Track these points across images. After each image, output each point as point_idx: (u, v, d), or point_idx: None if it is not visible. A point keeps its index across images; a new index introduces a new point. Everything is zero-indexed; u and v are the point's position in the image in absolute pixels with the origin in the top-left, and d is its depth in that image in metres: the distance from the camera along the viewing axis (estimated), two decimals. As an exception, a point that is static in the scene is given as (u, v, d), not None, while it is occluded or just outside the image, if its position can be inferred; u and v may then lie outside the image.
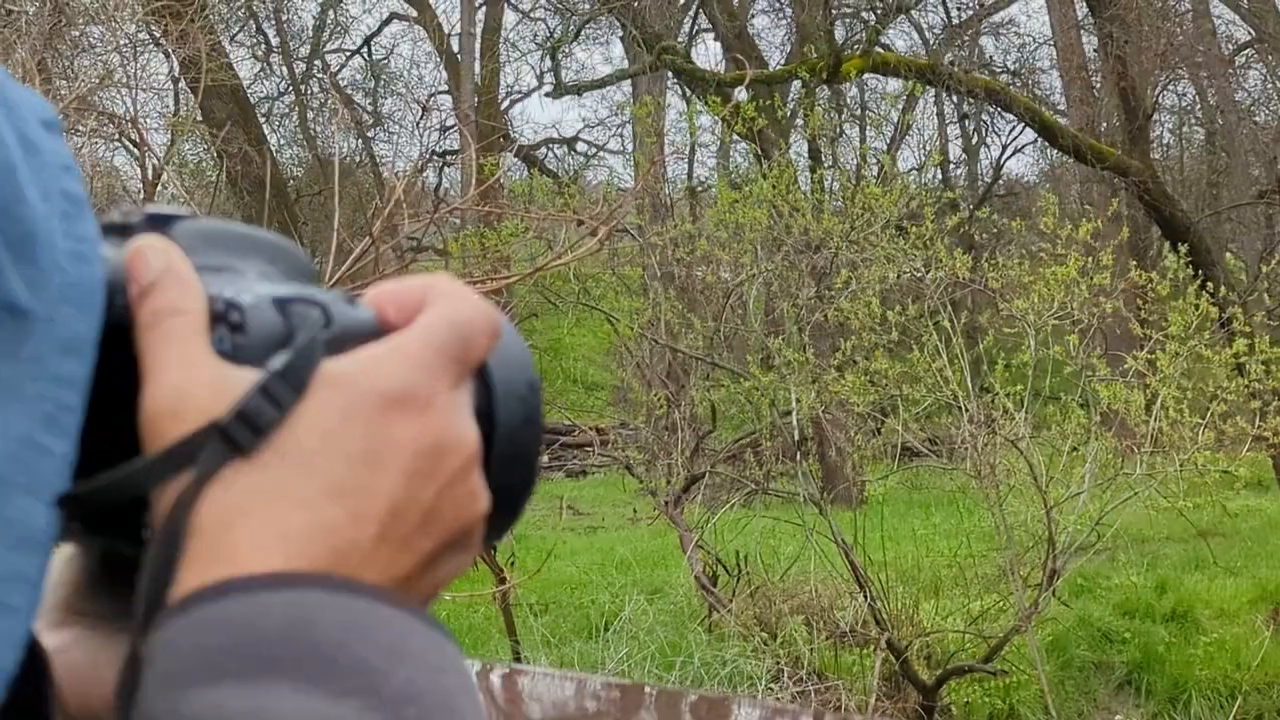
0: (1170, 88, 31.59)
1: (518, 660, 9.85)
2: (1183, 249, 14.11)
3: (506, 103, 34.49)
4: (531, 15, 33.51)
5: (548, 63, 30.37)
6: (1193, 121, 37.24)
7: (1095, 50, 24.51)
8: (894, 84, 30.20)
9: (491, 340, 0.77)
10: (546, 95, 30.46)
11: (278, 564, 0.66)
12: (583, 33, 28.98)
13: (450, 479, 0.73)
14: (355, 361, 0.72)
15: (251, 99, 25.00)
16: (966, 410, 11.23)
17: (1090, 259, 11.82)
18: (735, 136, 19.95)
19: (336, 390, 0.71)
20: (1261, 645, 13.11)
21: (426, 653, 0.67)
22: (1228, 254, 34.74)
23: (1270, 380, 12.87)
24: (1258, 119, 33.90)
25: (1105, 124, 24.58)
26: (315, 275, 0.81)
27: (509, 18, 33.24)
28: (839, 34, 23.99)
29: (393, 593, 0.69)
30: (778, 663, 10.70)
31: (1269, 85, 34.92)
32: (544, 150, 34.70)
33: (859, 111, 34.14)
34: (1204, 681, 12.82)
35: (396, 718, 0.63)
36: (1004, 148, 37.51)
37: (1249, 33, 33.42)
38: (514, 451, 0.79)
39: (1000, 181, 38.86)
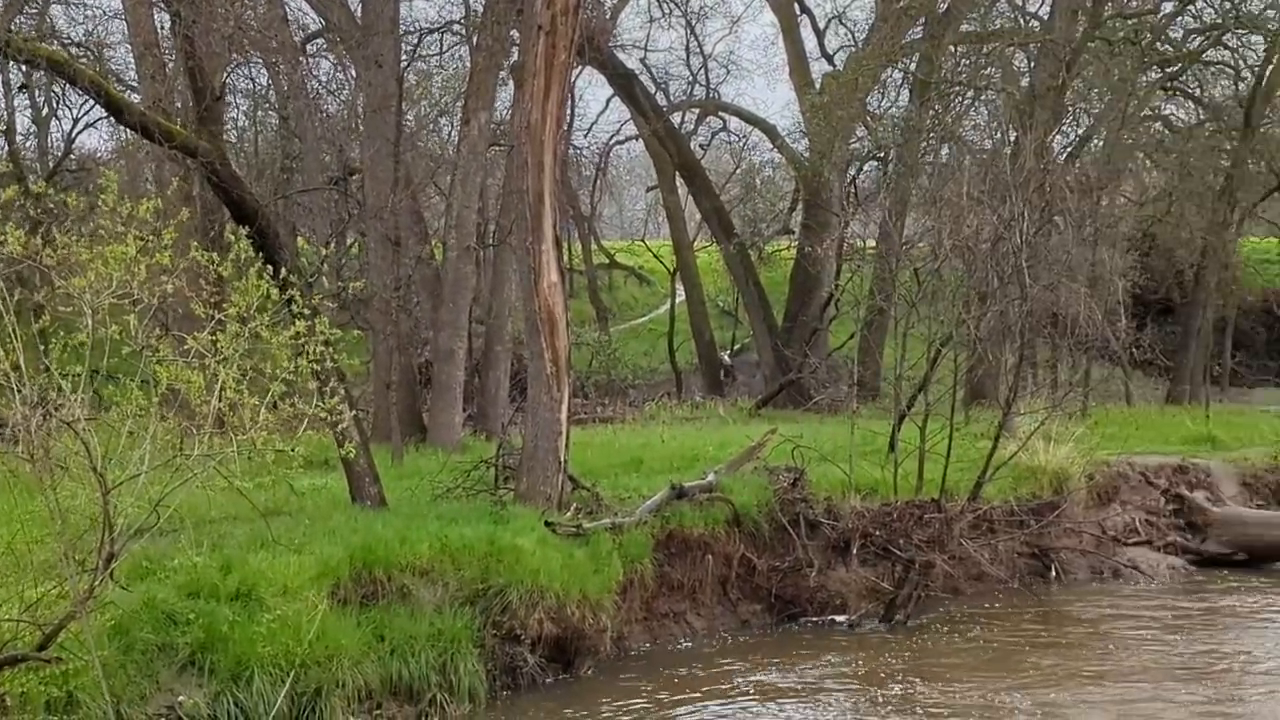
0: (244, 71, 32.09)
1: None
2: (244, 231, 14.28)
3: None
4: None
5: None
6: (267, 107, 38.03)
7: (167, 28, 24.39)
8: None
9: None
10: None
11: None
12: None
13: None
14: None
15: None
16: (20, 392, 10.80)
17: (153, 237, 11.70)
18: None
19: None
20: (320, 619, 13.56)
21: None
22: (300, 238, 35.84)
23: (330, 361, 13.33)
24: (330, 108, 35.14)
25: (180, 103, 24.54)
26: None
27: None
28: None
29: None
30: None
31: (339, 75, 36.29)
32: None
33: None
34: (266, 658, 13.09)
35: None
36: (75, 121, 36.65)
37: (319, 22, 34.54)
38: None
39: (74, 156, 37.93)
